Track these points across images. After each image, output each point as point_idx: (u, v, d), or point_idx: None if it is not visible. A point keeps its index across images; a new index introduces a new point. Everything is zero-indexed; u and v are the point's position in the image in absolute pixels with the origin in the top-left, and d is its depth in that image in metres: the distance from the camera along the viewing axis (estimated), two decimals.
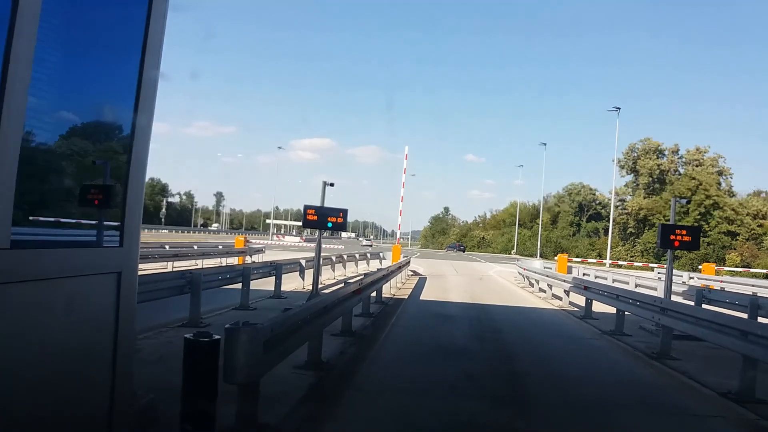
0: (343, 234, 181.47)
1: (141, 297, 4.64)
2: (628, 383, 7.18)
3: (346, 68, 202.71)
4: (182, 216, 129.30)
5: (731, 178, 67.78)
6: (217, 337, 3.66)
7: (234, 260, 22.66)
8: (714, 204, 60.42)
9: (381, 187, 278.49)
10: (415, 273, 24.46)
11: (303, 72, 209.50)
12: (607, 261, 49.69)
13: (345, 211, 11.70)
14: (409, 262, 22.61)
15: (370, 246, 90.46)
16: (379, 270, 14.69)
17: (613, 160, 69.89)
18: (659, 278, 26.38)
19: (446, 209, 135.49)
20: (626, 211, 72.34)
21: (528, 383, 6.80)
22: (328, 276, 18.69)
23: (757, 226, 58.99)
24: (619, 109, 48.46)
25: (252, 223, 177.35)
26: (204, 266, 16.66)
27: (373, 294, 13.24)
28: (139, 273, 3.82)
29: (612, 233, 79.34)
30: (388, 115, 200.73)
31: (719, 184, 63.62)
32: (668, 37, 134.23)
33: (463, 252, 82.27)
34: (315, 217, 11.69)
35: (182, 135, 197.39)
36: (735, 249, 56.87)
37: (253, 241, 33.55)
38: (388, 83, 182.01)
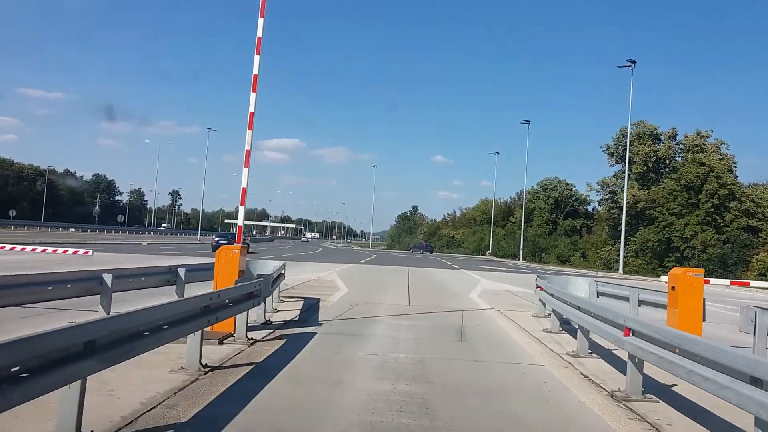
0: (307, 234, 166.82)
1: None
2: None
3: (312, 66, 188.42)
4: (130, 215, 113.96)
5: (735, 167, 55.56)
6: None
7: None
8: (729, 194, 47.89)
9: (349, 188, 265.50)
10: (309, 306, 10.73)
11: (271, 70, 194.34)
12: (620, 267, 36.76)
13: None
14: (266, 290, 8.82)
15: (307, 242, 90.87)
16: None
17: (608, 146, 57.12)
18: None
19: (414, 208, 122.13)
20: (617, 206, 59.47)
21: None
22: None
23: None
24: (634, 63, 35.62)
25: (212, 223, 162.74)
26: None
27: None
28: None
29: (601, 231, 66.97)
30: (357, 115, 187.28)
31: (731, 171, 51.19)
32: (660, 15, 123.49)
33: (431, 253, 68.67)
34: None
35: (143, 134, 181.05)
36: (760, 248, 44.39)
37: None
38: (357, 82, 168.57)
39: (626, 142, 59.60)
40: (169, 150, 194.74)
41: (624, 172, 61.13)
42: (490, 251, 67.22)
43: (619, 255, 57.31)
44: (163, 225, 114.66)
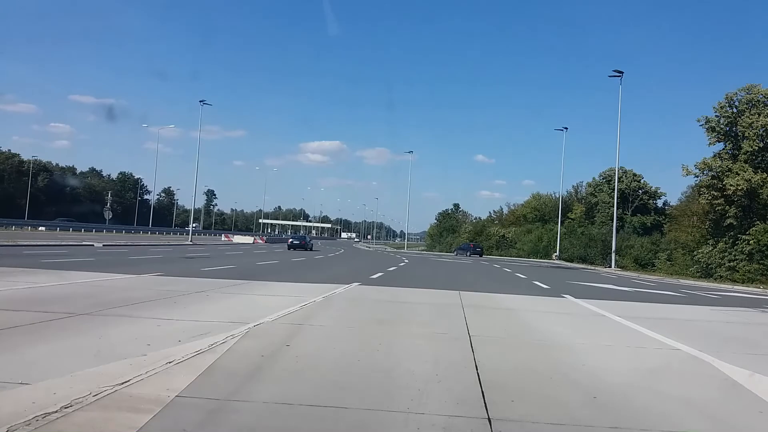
0: (343, 234, 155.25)
1: None
2: None
3: (355, 68, 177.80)
4: (158, 215, 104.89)
5: None
6: None
7: None
8: None
9: (390, 189, 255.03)
10: None
11: (312, 74, 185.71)
12: None
13: None
14: None
15: (357, 242, 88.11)
16: None
17: (708, 119, 42.37)
18: None
19: (456, 205, 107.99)
20: (722, 194, 44.11)
21: None
22: None
23: None
24: None
25: (249, 224, 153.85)
26: None
27: None
28: None
29: (693, 227, 51.81)
30: (397, 116, 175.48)
31: None
32: None
33: (480, 256, 54.85)
34: None
35: (191, 139, 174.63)
36: None
37: None
38: (397, 83, 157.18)
39: (734, 112, 44.59)
40: (212, 153, 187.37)
41: (728, 151, 45.91)
42: (557, 254, 52.72)
43: (723, 258, 42.26)
44: (192, 225, 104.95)
